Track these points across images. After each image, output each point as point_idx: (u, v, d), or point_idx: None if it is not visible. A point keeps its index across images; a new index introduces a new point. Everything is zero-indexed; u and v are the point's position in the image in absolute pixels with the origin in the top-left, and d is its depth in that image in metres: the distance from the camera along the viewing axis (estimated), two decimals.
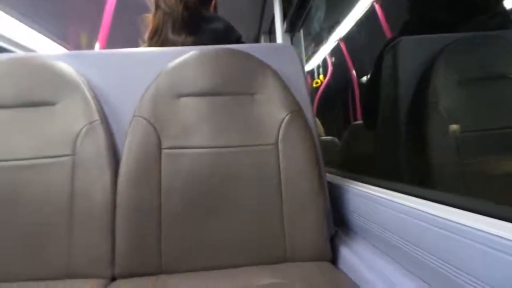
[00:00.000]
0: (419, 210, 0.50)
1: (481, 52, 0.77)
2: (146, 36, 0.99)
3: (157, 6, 0.97)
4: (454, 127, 0.72)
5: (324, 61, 3.26)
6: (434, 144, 0.76)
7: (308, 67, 3.23)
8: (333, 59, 3.16)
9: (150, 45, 0.98)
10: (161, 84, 0.77)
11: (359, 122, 1.90)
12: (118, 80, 0.83)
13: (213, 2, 1.10)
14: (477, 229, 0.38)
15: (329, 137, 2.29)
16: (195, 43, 0.92)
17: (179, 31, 0.96)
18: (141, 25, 1.01)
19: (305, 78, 0.89)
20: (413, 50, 0.84)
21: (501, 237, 0.35)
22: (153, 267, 0.68)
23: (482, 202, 0.45)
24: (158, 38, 0.97)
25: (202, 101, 0.77)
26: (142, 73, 0.80)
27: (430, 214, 0.47)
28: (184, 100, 0.77)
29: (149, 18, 1.00)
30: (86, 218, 0.69)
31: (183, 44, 0.93)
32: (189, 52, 0.81)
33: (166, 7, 0.96)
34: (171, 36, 0.96)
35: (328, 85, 3.27)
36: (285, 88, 0.79)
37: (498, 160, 0.67)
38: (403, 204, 0.54)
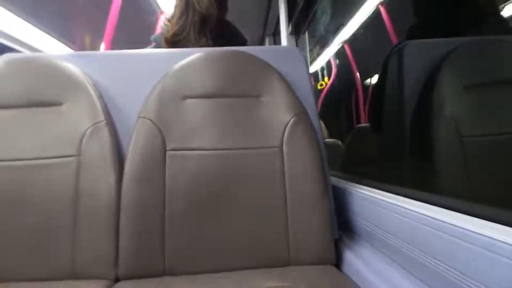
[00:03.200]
0: (423, 214, 0.49)
1: (487, 57, 0.76)
2: (169, 34, 0.99)
3: (189, 7, 0.98)
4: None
5: (329, 63, 3.25)
6: (440, 148, 0.75)
7: (312, 69, 3.23)
8: (337, 61, 3.16)
9: (170, 45, 0.99)
10: (166, 85, 0.78)
11: (363, 125, 1.89)
12: (123, 81, 0.83)
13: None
14: (479, 234, 0.39)
15: (332, 140, 2.28)
16: (214, 46, 0.92)
17: (204, 34, 0.98)
18: (151, 25, 1.01)
19: (310, 81, 0.89)
20: (418, 53, 0.83)
21: (502, 242, 0.35)
22: (156, 268, 0.68)
23: (485, 207, 0.45)
24: (180, 38, 0.98)
25: (207, 103, 0.77)
26: (147, 74, 0.81)
27: (434, 218, 0.47)
28: (189, 101, 0.77)
29: (174, 18, 1.00)
30: (90, 219, 0.70)
31: (201, 47, 0.93)
32: (195, 54, 0.81)
33: (201, 8, 0.97)
34: (195, 36, 0.97)
35: (332, 87, 3.26)
36: (290, 90, 0.79)
37: (504, 166, 0.66)
38: (407, 208, 0.54)
